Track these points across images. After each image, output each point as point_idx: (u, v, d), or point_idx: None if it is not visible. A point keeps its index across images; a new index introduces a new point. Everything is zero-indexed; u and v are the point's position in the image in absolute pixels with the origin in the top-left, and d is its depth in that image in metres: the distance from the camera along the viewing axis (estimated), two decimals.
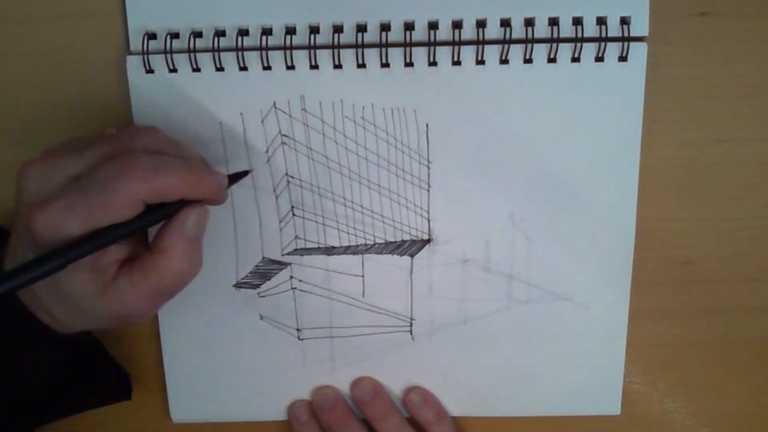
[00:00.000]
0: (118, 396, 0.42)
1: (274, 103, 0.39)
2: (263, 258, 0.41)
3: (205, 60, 0.38)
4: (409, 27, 0.37)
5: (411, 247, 0.41)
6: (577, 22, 0.37)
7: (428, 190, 0.40)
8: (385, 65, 0.38)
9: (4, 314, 0.34)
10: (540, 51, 0.37)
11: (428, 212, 0.40)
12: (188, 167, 0.33)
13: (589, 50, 0.37)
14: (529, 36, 0.37)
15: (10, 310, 0.34)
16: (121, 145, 0.32)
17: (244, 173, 0.38)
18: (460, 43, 0.37)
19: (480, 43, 0.37)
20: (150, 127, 0.34)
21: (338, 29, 0.38)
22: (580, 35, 0.37)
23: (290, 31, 0.38)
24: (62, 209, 0.30)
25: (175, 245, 0.33)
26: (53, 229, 0.30)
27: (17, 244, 0.34)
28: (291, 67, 0.38)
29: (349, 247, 0.41)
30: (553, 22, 0.37)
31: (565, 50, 0.37)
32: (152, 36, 0.38)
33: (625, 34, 0.37)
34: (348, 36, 0.38)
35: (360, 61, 0.38)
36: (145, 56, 0.38)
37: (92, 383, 0.41)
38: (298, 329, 0.42)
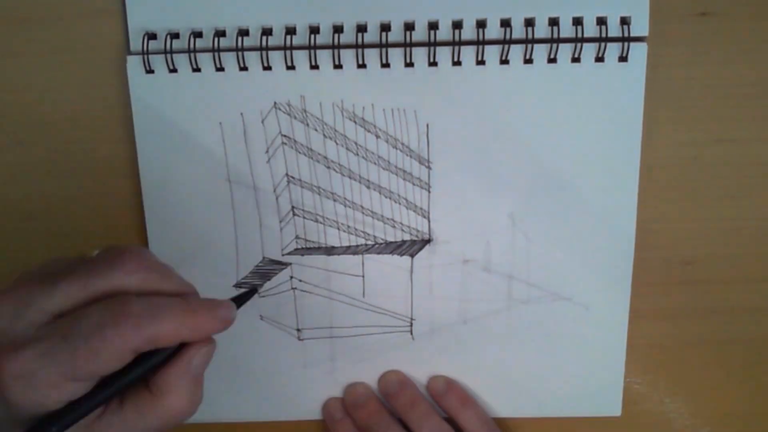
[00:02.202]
0: None
1: (274, 103, 0.39)
2: (263, 258, 0.41)
3: (205, 60, 0.38)
4: (409, 27, 0.37)
5: (411, 247, 0.41)
6: (577, 22, 0.37)
7: (428, 190, 0.40)
8: (386, 65, 0.38)
9: None
10: (540, 51, 0.37)
11: (428, 212, 0.40)
12: (186, 309, 0.29)
13: (589, 50, 0.37)
14: (530, 36, 0.37)
15: None
16: (105, 276, 0.29)
17: (252, 292, 0.36)
18: (461, 43, 0.37)
19: (480, 43, 0.37)
20: (136, 249, 0.30)
21: (338, 29, 0.38)
22: (580, 35, 0.37)
23: (290, 31, 0.38)
24: (39, 355, 0.27)
25: (179, 386, 0.30)
26: (27, 378, 0.27)
27: None
28: (291, 67, 0.38)
29: (349, 247, 0.41)
30: (553, 22, 0.37)
31: (565, 50, 0.37)
32: (152, 36, 0.38)
33: (625, 35, 0.37)
34: (348, 36, 0.38)
35: (360, 62, 0.38)
36: (145, 56, 0.38)
37: None
38: (298, 329, 0.42)
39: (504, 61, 0.38)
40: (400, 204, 0.40)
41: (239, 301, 0.34)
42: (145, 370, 0.29)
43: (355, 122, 0.39)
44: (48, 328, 0.28)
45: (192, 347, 0.30)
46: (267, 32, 0.38)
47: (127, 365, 0.29)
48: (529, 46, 0.37)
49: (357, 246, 0.41)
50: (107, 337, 0.27)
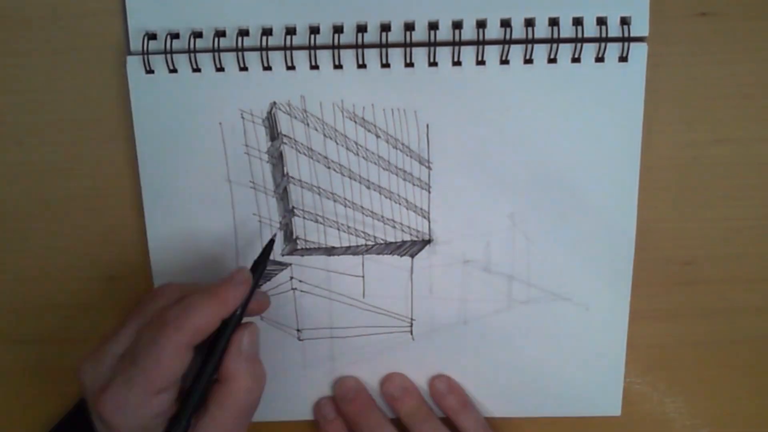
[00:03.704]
0: None
1: (274, 103, 0.39)
2: None
3: (205, 60, 0.38)
4: (409, 27, 0.37)
5: (411, 247, 0.41)
6: (578, 22, 0.37)
7: (429, 191, 0.40)
8: (386, 65, 0.38)
9: None
10: (540, 51, 0.37)
11: (428, 213, 0.40)
12: (207, 293, 0.34)
13: (589, 50, 0.37)
14: (530, 36, 0.37)
15: None
16: (147, 309, 0.34)
17: (270, 245, 0.38)
18: (461, 43, 0.37)
19: (480, 43, 0.37)
20: (166, 284, 0.36)
21: (338, 29, 0.37)
22: (580, 35, 0.37)
23: (290, 31, 0.38)
24: (121, 385, 0.32)
25: (238, 368, 0.34)
26: (121, 407, 0.32)
27: None
28: (291, 68, 0.38)
29: (349, 247, 0.41)
30: (554, 22, 0.37)
31: (565, 50, 0.37)
32: (152, 36, 0.38)
33: (625, 35, 0.37)
34: (348, 36, 0.38)
35: (360, 62, 0.38)
36: (145, 56, 0.38)
37: None
38: (298, 329, 0.42)
39: (504, 61, 0.38)
40: (400, 204, 0.40)
41: (259, 262, 0.37)
42: (211, 366, 0.34)
43: (355, 122, 0.39)
44: (120, 363, 0.33)
45: (237, 332, 0.35)
46: (267, 32, 0.38)
47: (198, 368, 0.34)
48: (529, 46, 0.37)
49: (357, 246, 0.41)
50: (160, 344, 0.32)
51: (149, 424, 0.33)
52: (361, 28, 0.38)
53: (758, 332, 0.42)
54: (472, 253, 0.40)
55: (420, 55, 0.38)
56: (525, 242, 0.40)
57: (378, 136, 0.39)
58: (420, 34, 0.37)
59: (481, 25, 0.37)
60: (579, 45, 0.37)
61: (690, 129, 0.40)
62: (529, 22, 0.37)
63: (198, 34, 0.38)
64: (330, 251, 0.41)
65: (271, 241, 0.38)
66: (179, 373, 0.33)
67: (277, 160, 0.39)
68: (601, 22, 0.37)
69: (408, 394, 0.42)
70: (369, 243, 0.41)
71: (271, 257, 0.41)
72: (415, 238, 0.40)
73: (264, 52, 0.38)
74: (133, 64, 0.38)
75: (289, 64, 0.38)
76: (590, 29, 0.37)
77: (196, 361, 0.34)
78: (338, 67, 0.38)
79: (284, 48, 0.37)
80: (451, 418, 0.41)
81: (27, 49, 0.39)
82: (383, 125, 0.39)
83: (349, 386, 0.42)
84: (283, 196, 0.40)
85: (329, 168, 0.40)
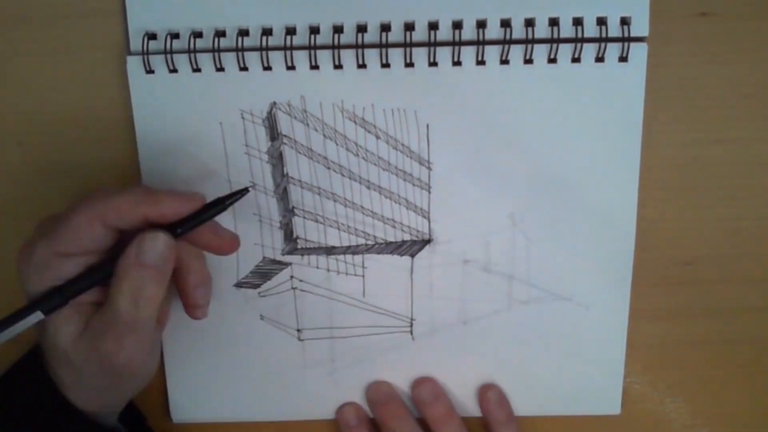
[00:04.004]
0: None
1: (274, 103, 0.39)
2: (264, 258, 0.41)
3: (205, 60, 0.38)
4: (409, 27, 0.37)
5: (411, 247, 0.41)
6: (578, 22, 0.37)
7: (429, 191, 0.40)
8: (386, 66, 0.38)
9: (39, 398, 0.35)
10: (540, 51, 0.37)
11: (428, 212, 0.40)
12: (148, 190, 0.33)
13: (589, 50, 0.37)
14: (530, 36, 0.37)
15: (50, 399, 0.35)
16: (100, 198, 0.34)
17: (244, 191, 0.36)
18: (461, 43, 0.37)
19: (480, 43, 0.37)
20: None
21: (338, 29, 0.37)
22: (580, 35, 0.37)
23: (290, 31, 0.38)
24: (36, 242, 0.33)
25: (124, 273, 0.33)
26: (31, 261, 0.33)
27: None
28: (291, 68, 0.38)
29: (349, 247, 0.41)
30: (554, 22, 0.37)
31: (565, 50, 0.37)
32: (152, 36, 0.38)
33: (625, 35, 0.37)
34: (348, 36, 0.38)
35: (360, 62, 0.38)
36: (145, 56, 0.38)
37: None
38: (298, 329, 0.42)
39: (504, 61, 0.38)
40: (400, 204, 0.40)
41: (223, 200, 0.35)
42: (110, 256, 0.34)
43: (355, 122, 0.39)
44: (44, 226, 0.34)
45: (144, 231, 0.33)
46: (267, 32, 0.38)
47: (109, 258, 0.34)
48: (529, 46, 0.37)
49: (357, 246, 0.41)
50: (77, 210, 0.32)
51: (46, 283, 0.33)
52: (361, 28, 0.38)
53: (758, 332, 0.42)
54: (472, 253, 0.40)
55: (420, 55, 0.38)
56: (525, 242, 0.40)
57: (378, 137, 0.39)
58: (420, 34, 0.37)
59: (481, 25, 0.37)
60: (579, 45, 0.37)
61: (690, 129, 0.40)
62: (529, 22, 0.37)
63: (198, 34, 0.38)
64: (330, 251, 0.41)
65: (246, 190, 0.36)
66: (86, 243, 0.33)
67: (277, 160, 0.39)
68: (601, 22, 0.37)
69: (439, 400, 0.42)
70: (369, 243, 0.41)
71: (272, 257, 0.41)
72: (415, 238, 0.40)
73: (264, 52, 0.38)
74: (133, 64, 0.38)
75: (289, 64, 0.38)
76: (590, 29, 0.37)
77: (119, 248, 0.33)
78: (338, 67, 0.38)
79: (284, 48, 0.37)
80: (494, 429, 0.42)
81: (27, 49, 0.39)
82: (383, 125, 0.39)
83: (382, 391, 0.42)
84: (283, 196, 0.40)
85: (329, 168, 0.40)
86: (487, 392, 0.42)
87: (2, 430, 0.35)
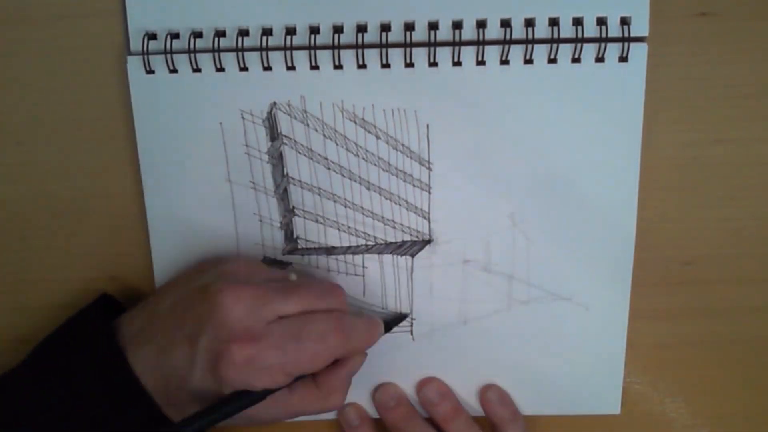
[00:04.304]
0: None
1: (274, 103, 0.39)
2: (264, 258, 0.41)
3: (205, 60, 0.38)
4: (409, 27, 0.37)
5: (411, 247, 0.41)
6: (578, 22, 0.37)
7: (429, 191, 0.40)
8: (386, 66, 0.38)
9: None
10: (540, 51, 0.37)
11: (429, 213, 0.40)
12: (369, 329, 0.37)
13: (589, 51, 0.37)
14: (530, 36, 0.37)
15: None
16: (326, 300, 0.36)
17: (401, 318, 0.41)
18: (461, 43, 0.37)
19: (480, 43, 0.37)
20: (338, 285, 0.38)
21: (338, 29, 0.37)
22: (580, 36, 0.37)
23: (290, 31, 0.38)
24: (271, 347, 0.33)
25: (341, 387, 0.37)
26: (254, 364, 0.33)
27: (162, 345, 0.35)
28: (291, 68, 0.38)
29: (349, 247, 0.41)
30: (554, 22, 0.37)
31: (565, 51, 0.37)
32: (152, 36, 0.38)
33: (626, 35, 0.37)
34: (348, 36, 0.38)
35: (360, 62, 0.38)
36: (146, 57, 0.38)
37: None
38: None
39: (504, 62, 0.38)
40: (400, 204, 0.40)
41: (388, 326, 0.40)
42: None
43: (355, 123, 0.39)
44: (278, 326, 0.34)
45: (356, 358, 0.37)
46: (267, 32, 0.38)
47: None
48: (529, 46, 0.37)
49: (357, 246, 0.41)
50: (329, 343, 0.34)
51: (255, 386, 0.34)
52: (361, 28, 0.37)
53: (758, 332, 0.42)
54: (472, 253, 0.40)
55: (420, 55, 0.38)
56: (525, 242, 0.40)
57: (378, 137, 0.39)
58: (420, 34, 0.37)
59: (481, 25, 0.37)
60: (579, 45, 0.37)
61: (690, 129, 0.40)
62: (529, 22, 0.37)
63: (198, 34, 0.38)
64: (330, 251, 0.41)
65: (403, 315, 0.41)
66: (313, 371, 0.35)
67: (277, 160, 0.39)
68: (601, 22, 0.37)
69: (445, 398, 0.42)
70: (369, 243, 0.41)
71: (272, 257, 0.41)
72: (415, 238, 0.40)
73: (264, 52, 0.38)
74: (133, 64, 0.38)
75: (289, 64, 0.38)
76: (590, 29, 0.37)
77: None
78: (338, 67, 0.38)
79: (284, 48, 0.37)
80: (500, 428, 0.42)
81: (27, 49, 0.39)
82: (383, 126, 0.39)
83: (390, 393, 0.42)
84: (283, 196, 0.40)
85: (329, 168, 0.40)
86: (487, 393, 0.42)
87: (71, 400, 0.35)
